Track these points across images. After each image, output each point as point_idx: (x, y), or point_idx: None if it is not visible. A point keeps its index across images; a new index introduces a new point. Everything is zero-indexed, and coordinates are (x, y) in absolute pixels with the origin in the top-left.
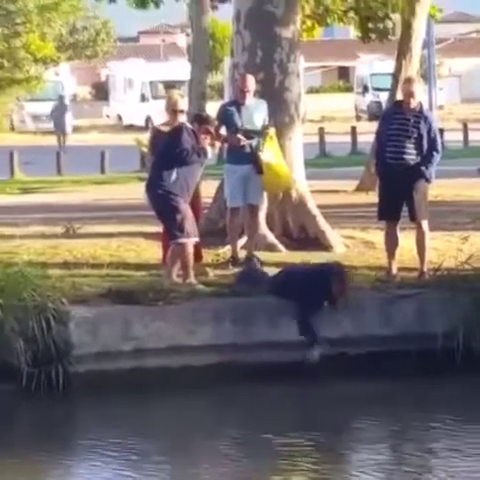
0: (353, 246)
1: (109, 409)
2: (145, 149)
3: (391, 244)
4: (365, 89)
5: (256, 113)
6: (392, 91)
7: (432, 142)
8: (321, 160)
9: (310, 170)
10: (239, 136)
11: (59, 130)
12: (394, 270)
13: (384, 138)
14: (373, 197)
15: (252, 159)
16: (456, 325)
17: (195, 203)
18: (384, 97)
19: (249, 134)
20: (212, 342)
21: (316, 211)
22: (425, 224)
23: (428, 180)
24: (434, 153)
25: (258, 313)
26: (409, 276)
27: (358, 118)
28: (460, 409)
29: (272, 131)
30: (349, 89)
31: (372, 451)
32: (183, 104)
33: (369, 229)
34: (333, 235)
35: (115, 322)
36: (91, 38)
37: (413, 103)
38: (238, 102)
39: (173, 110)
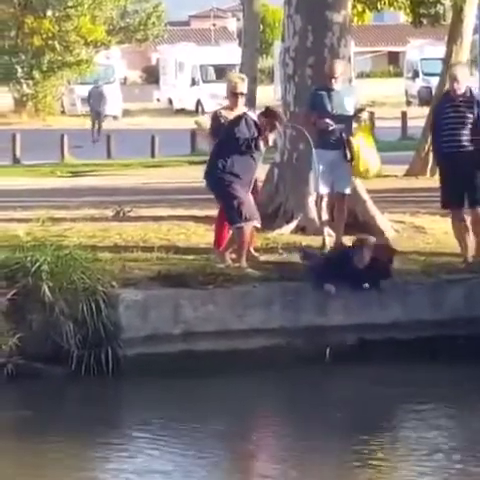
0: (403, 231)
1: (157, 392)
2: (206, 127)
3: (460, 232)
4: (415, 74)
5: (347, 98)
6: (442, 76)
7: None
8: None
9: None
10: (328, 120)
11: (95, 115)
12: (470, 258)
13: (439, 128)
14: (423, 181)
15: (340, 145)
16: None
17: (254, 188)
18: (434, 82)
19: (339, 119)
20: (261, 326)
21: (366, 196)
22: None
23: None
24: None
25: (307, 298)
26: (456, 261)
27: (408, 103)
28: None
29: (365, 115)
30: (399, 74)
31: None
32: (243, 87)
33: (419, 214)
34: (383, 220)
35: (164, 305)
36: (142, 22)
37: (459, 88)
38: (328, 87)
39: (233, 93)
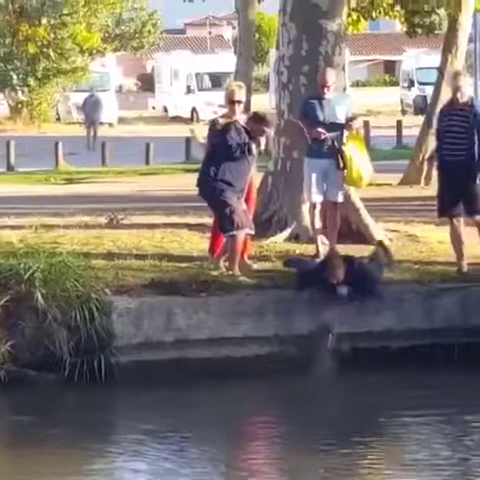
0: (397, 239)
1: (150, 399)
2: (201, 140)
3: (457, 241)
4: (411, 83)
5: (338, 106)
6: (437, 85)
7: None
8: None
9: None
10: (320, 129)
11: (90, 123)
12: (465, 267)
13: (440, 136)
14: (418, 190)
15: (332, 153)
16: None
17: (248, 196)
18: (430, 91)
19: (331, 127)
20: (254, 334)
21: (360, 204)
22: None
23: None
24: None
25: (300, 305)
26: (451, 270)
27: (404, 112)
28: None
29: (358, 124)
30: (395, 83)
31: None
32: (240, 95)
33: (413, 222)
34: (376, 228)
35: (158, 313)
36: (137, 29)
37: (462, 98)
38: (320, 96)
39: (231, 100)
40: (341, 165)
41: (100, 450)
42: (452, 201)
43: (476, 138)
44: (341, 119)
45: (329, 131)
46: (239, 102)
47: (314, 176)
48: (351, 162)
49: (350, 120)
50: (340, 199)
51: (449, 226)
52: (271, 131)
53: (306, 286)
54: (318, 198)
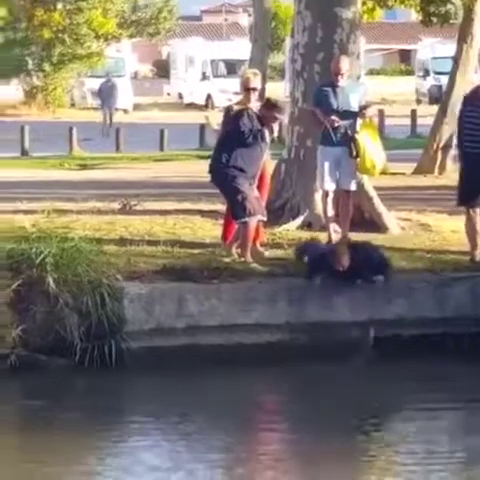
0: (409, 228)
1: (161, 385)
2: (215, 127)
3: (472, 230)
4: (426, 73)
5: (352, 94)
6: (452, 75)
7: None
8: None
9: None
10: (333, 117)
11: (106, 108)
12: (478, 257)
13: (461, 127)
14: (431, 179)
15: (346, 141)
16: None
17: (261, 182)
18: (445, 81)
19: (344, 115)
20: (266, 321)
21: (373, 193)
22: None
23: None
24: None
25: (312, 293)
26: (463, 259)
27: (419, 102)
28: None
29: (371, 111)
30: (410, 72)
31: None
32: (256, 82)
33: (426, 212)
34: (389, 217)
35: (169, 299)
36: (153, 16)
37: None
38: (334, 83)
39: (246, 88)
40: (354, 153)
41: (110, 435)
42: (472, 192)
43: None
44: (354, 107)
45: (342, 119)
46: (254, 89)
47: (327, 164)
48: (364, 150)
49: (363, 108)
50: (353, 187)
51: (465, 216)
52: (283, 118)
53: (317, 272)
54: (331, 186)
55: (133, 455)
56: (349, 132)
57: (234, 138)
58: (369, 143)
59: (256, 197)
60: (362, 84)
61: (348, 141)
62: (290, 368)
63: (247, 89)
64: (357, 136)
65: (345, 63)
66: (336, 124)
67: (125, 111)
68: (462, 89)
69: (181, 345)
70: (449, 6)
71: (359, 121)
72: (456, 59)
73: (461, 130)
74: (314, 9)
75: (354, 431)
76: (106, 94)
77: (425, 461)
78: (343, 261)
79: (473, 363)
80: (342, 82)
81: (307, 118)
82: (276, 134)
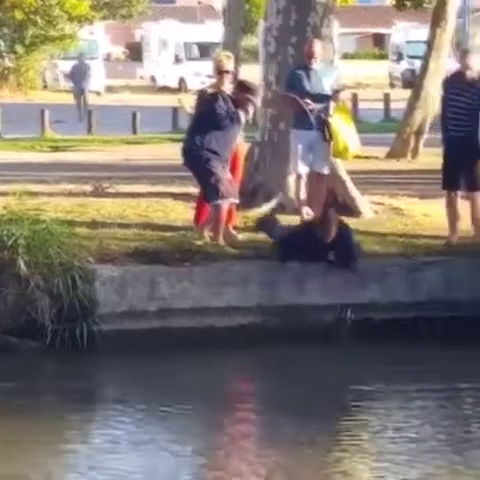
0: (382, 212)
1: (132, 368)
2: (189, 110)
3: (454, 215)
4: (400, 57)
5: (325, 78)
6: (426, 59)
7: None
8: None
9: None
10: (307, 100)
11: (78, 90)
12: (454, 241)
13: (445, 106)
14: (404, 164)
15: (319, 125)
16: None
17: (234, 165)
18: (419, 65)
19: (317, 98)
20: (238, 304)
21: (346, 177)
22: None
23: None
24: None
25: (284, 276)
26: (436, 243)
27: (392, 85)
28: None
29: (345, 95)
30: (385, 56)
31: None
32: (229, 65)
33: (398, 196)
34: (362, 201)
35: (141, 282)
36: None
37: (469, 75)
38: (306, 66)
39: (219, 71)
40: (327, 137)
41: (80, 418)
42: (454, 174)
43: None
44: (328, 91)
45: (315, 102)
46: (227, 72)
47: (300, 147)
48: (337, 134)
49: (337, 92)
50: (326, 171)
51: (445, 199)
52: (257, 100)
53: (289, 255)
54: (304, 169)
55: (102, 437)
56: (322, 115)
57: (208, 121)
58: (342, 127)
59: (229, 180)
60: (336, 68)
61: (321, 125)
62: (262, 350)
63: (220, 72)
64: (330, 120)
65: (318, 47)
66: (310, 107)
67: (98, 93)
68: (435, 74)
69: (153, 328)
70: None
71: (332, 105)
72: (429, 44)
73: (445, 114)
74: None
75: (325, 414)
76: (79, 76)
77: (391, 444)
78: (332, 232)
79: (446, 347)
80: (315, 65)
81: (281, 102)
82: (251, 115)
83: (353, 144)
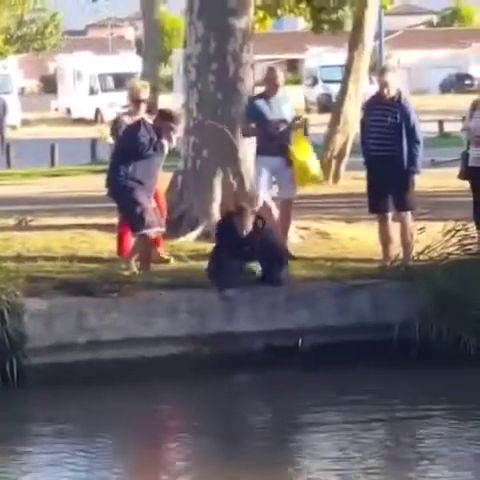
0: (308, 237)
1: (63, 401)
2: (110, 140)
3: (385, 238)
4: (315, 81)
5: (284, 105)
6: (344, 82)
7: (411, 132)
8: None
9: None
10: (274, 126)
11: None
12: (388, 263)
13: (366, 131)
14: (326, 188)
15: (283, 151)
16: (412, 316)
17: (156, 194)
18: (334, 89)
19: (279, 126)
20: (168, 334)
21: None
22: (408, 215)
23: (414, 171)
24: (415, 143)
25: (214, 304)
26: (363, 266)
27: (308, 110)
28: (413, 399)
29: (303, 121)
30: (298, 81)
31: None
32: (145, 93)
33: (323, 220)
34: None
35: (69, 314)
36: (39, 31)
37: (389, 93)
38: (266, 94)
39: (136, 100)
40: (290, 162)
41: (5, 450)
42: (380, 196)
43: (404, 133)
44: (287, 117)
45: (277, 130)
46: (144, 101)
47: (265, 173)
48: (305, 161)
49: (296, 119)
50: (293, 196)
51: (378, 224)
52: (178, 128)
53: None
54: (268, 195)
55: (30, 474)
56: (284, 142)
57: (131, 150)
58: (299, 153)
59: (154, 209)
60: (289, 97)
61: (284, 151)
62: (192, 380)
63: (137, 100)
64: (291, 146)
65: (281, 74)
66: (278, 131)
67: (13, 127)
68: (354, 97)
69: (83, 360)
70: (340, 13)
71: (292, 132)
72: (347, 67)
73: (365, 137)
74: (206, 19)
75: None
76: None
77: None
78: (248, 225)
79: (377, 369)
80: (277, 94)
81: (248, 133)
82: (175, 143)
83: (317, 170)
